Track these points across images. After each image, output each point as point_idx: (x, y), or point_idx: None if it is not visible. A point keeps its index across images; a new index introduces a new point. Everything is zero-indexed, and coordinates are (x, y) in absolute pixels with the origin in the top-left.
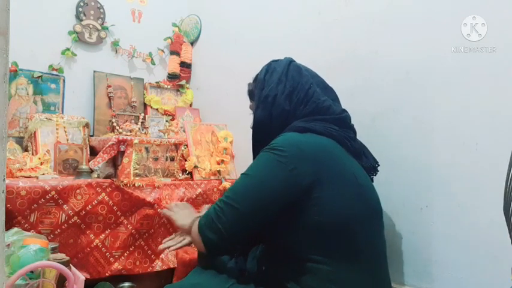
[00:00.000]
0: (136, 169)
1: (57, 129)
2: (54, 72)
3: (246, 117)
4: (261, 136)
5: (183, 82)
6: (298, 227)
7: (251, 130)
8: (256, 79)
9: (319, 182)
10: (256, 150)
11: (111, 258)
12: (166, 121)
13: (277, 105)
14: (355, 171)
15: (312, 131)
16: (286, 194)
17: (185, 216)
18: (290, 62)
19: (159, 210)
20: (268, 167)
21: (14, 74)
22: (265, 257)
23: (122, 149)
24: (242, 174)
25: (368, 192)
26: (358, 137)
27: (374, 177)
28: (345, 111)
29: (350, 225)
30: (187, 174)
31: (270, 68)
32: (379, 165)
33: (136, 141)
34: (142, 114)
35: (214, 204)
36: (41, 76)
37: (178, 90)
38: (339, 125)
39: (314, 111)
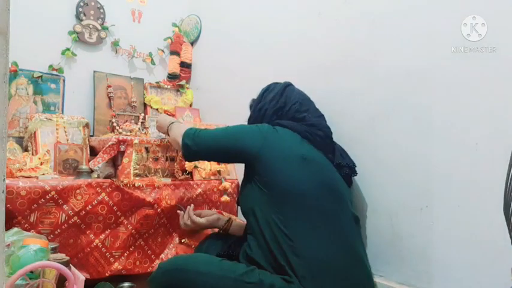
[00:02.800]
0: (136, 169)
1: (57, 129)
2: (54, 72)
3: (246, 117)
4: None
5: (183, 82)
6: (256, 190)
7: None
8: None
9: (263, 153)
10: None
11: (111, 258)
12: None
13: (265, 117)
14: (307, 153)
15: (275, 124)
16: (242, 149)
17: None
18: (288, 84)
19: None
20: (238, 126)
21: (14, 74)
22: (244, 239)
23: (122, 149)
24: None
25: (321, 171)
26: (358, 137)
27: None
28: (319, 118)
29: (301, 195)
30: (187, 174)
31: (270, 87)
32: (355, 166)
33: (136, 141)
34: (143, 114)
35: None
36: (41, 76)
37: (178, 90)
38: (308, 126)
39: (290, 119)
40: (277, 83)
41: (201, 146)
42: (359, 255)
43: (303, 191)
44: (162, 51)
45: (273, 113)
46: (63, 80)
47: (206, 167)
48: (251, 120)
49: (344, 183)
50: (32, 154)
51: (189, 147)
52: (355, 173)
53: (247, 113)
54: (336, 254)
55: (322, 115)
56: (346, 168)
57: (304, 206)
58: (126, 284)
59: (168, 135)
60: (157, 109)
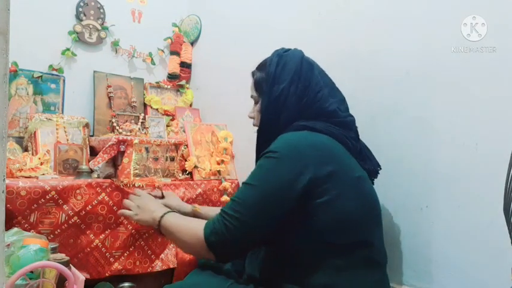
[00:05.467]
0: (136, 169)
1: (57, 129)
2: (54, 72)
3: (246, 118)
4: (268, 136)
5: (183, 82)
6: (301, 229)
7: (252, 126)
8: (262, 67)
9: (321, 181)
10: (260, 150)
11: (111, 258)
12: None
13: (287, 107)
14: (357, 171)
15: (311, 129)
16: (291, 197)
17: (147, 212)
18: (302, 56)
19: (118, 212)
20: (269, 173)
21: (14, 74)
22: (266, 259)
23: (122, 149)
24: (245, 183)
25: (370, 193)
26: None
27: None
28: (350, 115)
29: (352, 225)
30: (187, 174)
31: (281, 60)
32: (381, 168)
33: (136, 141)
34: (143, 115)
35: (219, 216)
36: (41, 76)
37: (178, 90)
38: (341, 126)
39: (318, 115)
40: (287, 52)
41: (246, 233)
42: (389, 284)
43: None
44: (162, 51)
45: (296, 102)
46: (63, 80)
47: (206, 167)
48: (268, 112)
49: (377, 196)
50: (32, 154)
51: (229, 246)
52: (378, 175)
53: (247, 113)
54: None
55: (344, 98)
56: (374, 173)
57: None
58: (126, 284)
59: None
60: (157, 109)
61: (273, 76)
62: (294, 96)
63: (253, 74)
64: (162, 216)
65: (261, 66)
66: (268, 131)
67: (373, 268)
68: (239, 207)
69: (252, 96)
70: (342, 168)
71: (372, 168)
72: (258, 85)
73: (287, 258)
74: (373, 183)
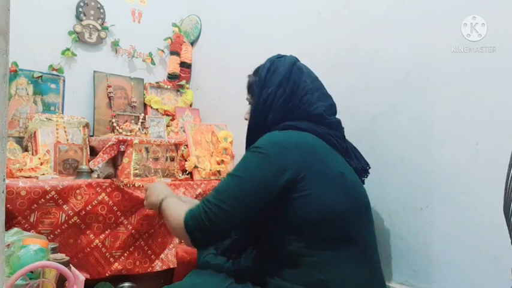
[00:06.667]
0: (136, 169)
1: (57, 129)
2: (54, 72)
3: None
4: (255, 135)
5: (183, 82)
6: (285, 223)
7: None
8: (256, 72)
9: (303, 177)
10: (248, 147)
11: (111, 259)
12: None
13: (273, 110)
14: (341, 168)
15: (296, 128)
16: (271, 191)
17: (155, 195)
18: (294, 63)
19: (144, 184)
20: (252, 166)
21: (14, 74)
22: (258, 256)
23: (122, 149)
24: (228, 174)
25: (355, 189)
26: (358, 137)
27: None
28: (335, 118)
29: (336, 219)
30: (187, 174)
31: (273, 66)
32: (370, 167)
33: (136, 141)
34: (143, 115)
35: (201, 204)
36: (41, 76)
37: (178, 91)
38: (326, 127)
39: (303, 117)
40: (280, 58)
41: (224, 221)
42: (382, 279)
43: (339, 217)
44: (162, 51)
45: (282, 104)
46: (63, 80)
47: (206, 167)
48: (256, 113)
49: (365, 191)
50: (32, 154)
51: (207, 233)
52: (368, 174)
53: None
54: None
55: (334, 104)
56: (363, 172)
57: (337, 234)
58: (126, 284)
59: (160, 213)
60: (157, 109)
61: (263, 80)
62: (280, 99)
63: (248, 77)
64: (163, 199)
65: (255, 71)
66: (256, 130)
67: (363, 264)
68: (220, 196)
69: (247, 99)
70: (324, 165)
71: (360, 167)
72: (251, 88)
73: (277, 256)
74: (363, 183)
